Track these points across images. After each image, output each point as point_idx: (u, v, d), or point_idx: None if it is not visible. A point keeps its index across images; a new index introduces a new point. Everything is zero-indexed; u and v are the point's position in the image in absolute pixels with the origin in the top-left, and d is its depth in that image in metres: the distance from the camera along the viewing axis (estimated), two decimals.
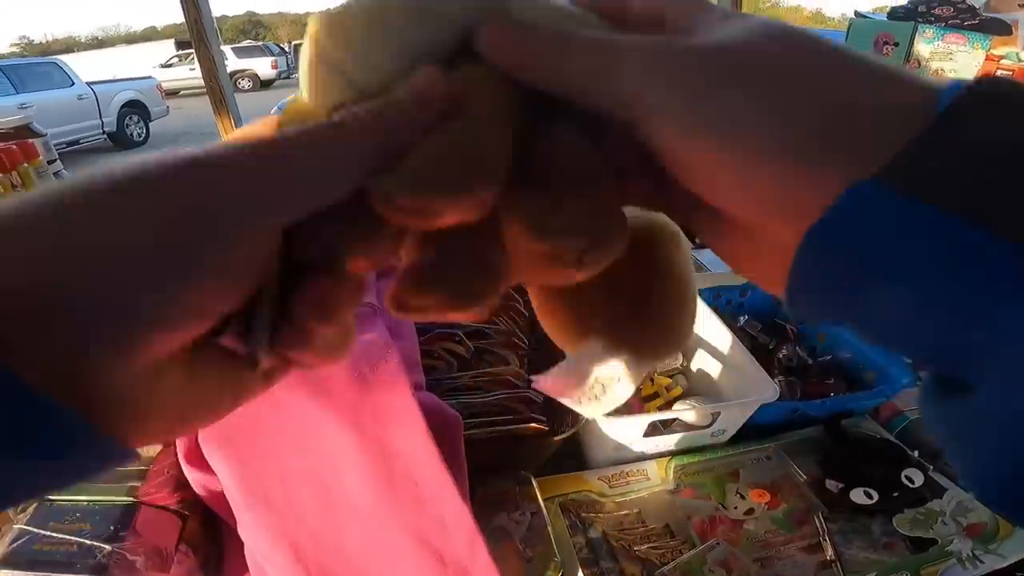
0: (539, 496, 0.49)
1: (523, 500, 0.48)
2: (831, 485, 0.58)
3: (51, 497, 0.43)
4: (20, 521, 0.41)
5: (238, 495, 0.37)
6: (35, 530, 0.40)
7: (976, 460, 0.13)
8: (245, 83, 12.82)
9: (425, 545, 0.36)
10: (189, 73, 12.45)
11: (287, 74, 14.18)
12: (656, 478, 0.57)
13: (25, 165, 1.16)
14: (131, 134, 7.18)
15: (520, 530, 0.46)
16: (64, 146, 6.08)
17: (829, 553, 0.53)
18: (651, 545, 0.54)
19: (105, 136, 6.90)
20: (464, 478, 0.40)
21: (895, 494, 0.56)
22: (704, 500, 0.58)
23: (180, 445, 0.43)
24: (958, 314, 0.12)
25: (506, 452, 0.48)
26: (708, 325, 0.68)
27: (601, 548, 0.53)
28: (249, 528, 0.38)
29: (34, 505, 0.42)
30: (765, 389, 0.57)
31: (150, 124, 7.46)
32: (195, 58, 1.62)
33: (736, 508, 0.57)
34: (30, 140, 1.23)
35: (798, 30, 0.15)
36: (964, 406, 0.13)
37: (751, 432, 0.63)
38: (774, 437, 0.64)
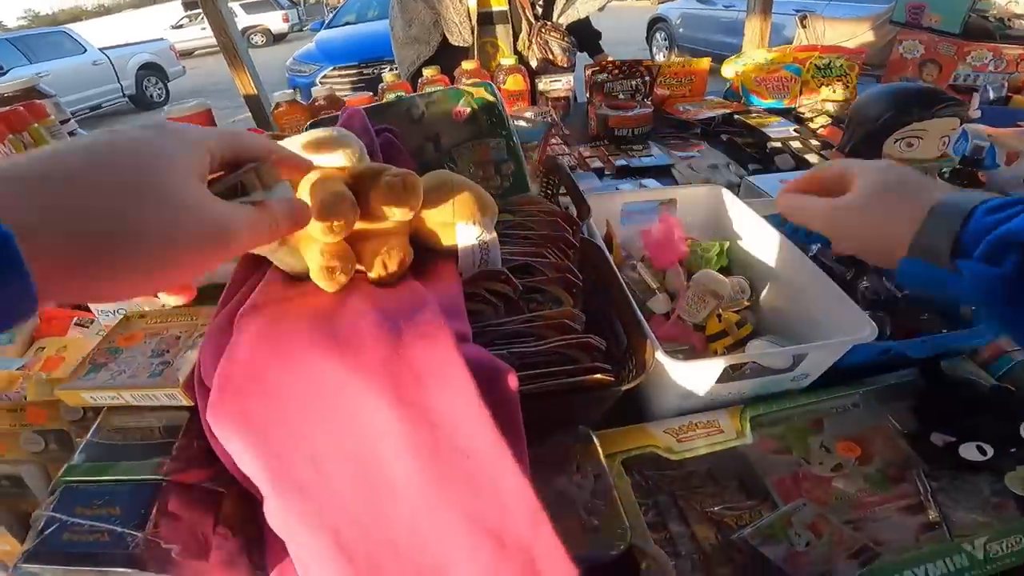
0: (601, 455, 0.43)
1: (584, 460, 0.42)
2: (937, 439, 0.50)
3: (72, 479, 0.39)
4: (48, 508, 0.38)
5: (264, 481, 0.32)
6: (63, 517, 0.37)
7: None
8: (258, 39, 12.45)
9: (480, 525, 0.31)
10: (201, 33, 12.24)
11: (299, 27, 13.78)
12: (730, 430, 0.51)
13: (35, 125, 1.15)
14: (151, 95, 7.32)
15: (583, 495, 0.40)
16: (87, 111, 6.33)
17: (933, 514, 0.46)
18: (725, 505, 0.48)
19: (126, 99, 7.02)
20: (522, 443, 0.34)
21: (1012, 450, 0.48)
22: (784, 455, 0.51)
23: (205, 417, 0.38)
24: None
25: (561, 405, 0.41)
26: (782, 255, 0.60)
27: (669, 510, 0.47)
28: (279, 516, 0.33)
29: (59, 489, 0.39)
30: (858, 327, 0.49)
31: (168, 84, 7.57)
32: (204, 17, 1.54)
33: (822, 464, 0.50)
34: (38, 101, 1.20)
35: (892, 182, 0.38)
36: None
37: (833, 376, 0.55)
38: (860, 382, 0.56)
